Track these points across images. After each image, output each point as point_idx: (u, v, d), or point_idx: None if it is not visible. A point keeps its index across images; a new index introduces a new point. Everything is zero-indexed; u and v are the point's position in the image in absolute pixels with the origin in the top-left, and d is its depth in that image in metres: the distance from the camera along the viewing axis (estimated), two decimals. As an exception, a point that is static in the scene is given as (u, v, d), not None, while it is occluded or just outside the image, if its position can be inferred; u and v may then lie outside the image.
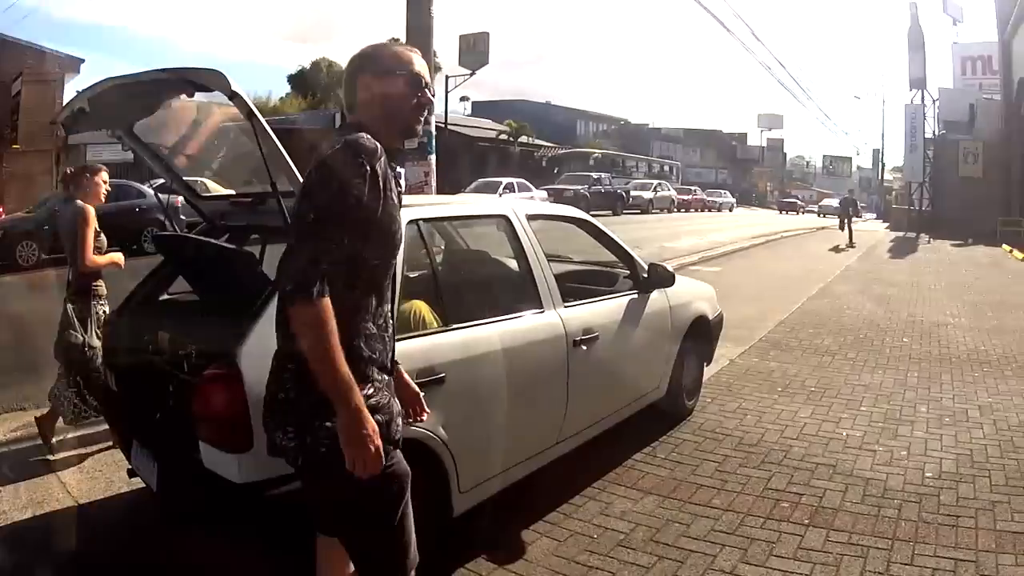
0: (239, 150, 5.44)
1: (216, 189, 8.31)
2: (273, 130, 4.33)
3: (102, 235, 7.04)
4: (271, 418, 3.12)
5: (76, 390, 6.65)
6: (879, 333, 13.32)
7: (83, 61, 40.47)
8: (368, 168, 2.94)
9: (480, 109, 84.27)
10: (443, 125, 47.57)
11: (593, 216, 7.57)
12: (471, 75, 54.26)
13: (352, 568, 3.40)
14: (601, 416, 6.57)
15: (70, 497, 6.00)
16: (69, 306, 6.81)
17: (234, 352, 3.97)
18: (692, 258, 24.94)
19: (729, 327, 9.80)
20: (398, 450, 3.19)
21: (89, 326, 6.72)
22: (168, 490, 4.65)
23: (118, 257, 7.16)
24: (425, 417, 3.74)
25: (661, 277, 7.24)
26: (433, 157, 11.28)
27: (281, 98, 72.70)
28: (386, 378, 3.22)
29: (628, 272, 7.40)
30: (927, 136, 51.12)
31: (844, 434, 7.69)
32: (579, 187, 49.09)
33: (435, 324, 4.89)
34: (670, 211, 60.26)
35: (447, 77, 54.85)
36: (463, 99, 70.73)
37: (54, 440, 6.90)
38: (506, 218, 5.84)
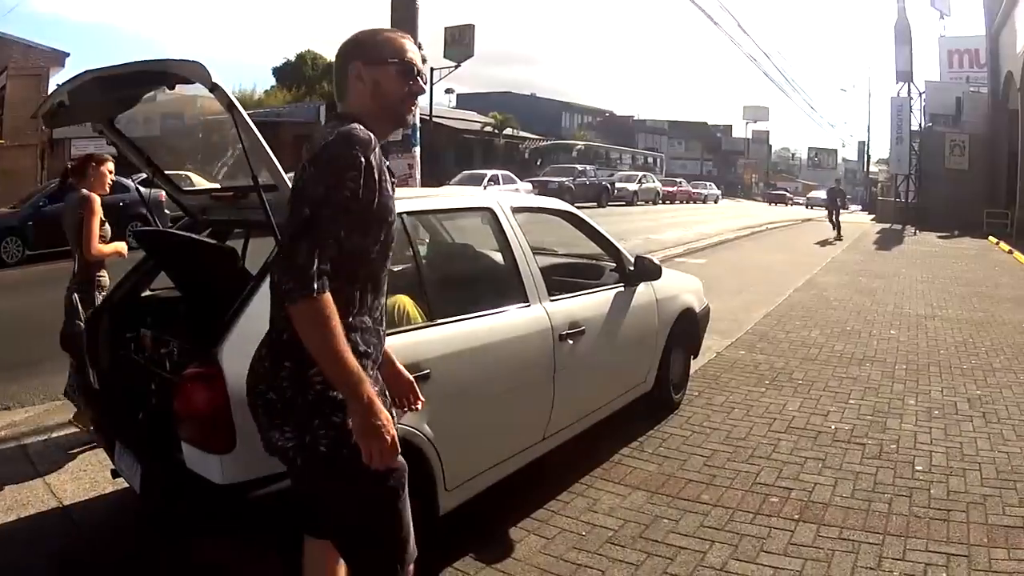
0: (222, 144, 5.37)
1: (201, 183, 8.27)
2: (257, 123, 4.25)
3: (107, 224, 7.10)
4: (267, 418, 3.05)
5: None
6: (866, 325, 13.32)
7: (68, 55, 40.46)
8: (363, 160, 2.88)
9: (465, 101, 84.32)
10: (428, 117, 47.50)
11: (578, 208, 7.52)
12: (456, 67, 54.26)
13: (343, 569, 3.34)
14: (588, 411, 6.53)
15: (54, 498, 5.93)
16: (74, 295, 6.84)
17: (215, 350, 3.90)
18: (677, 250, 24.98)
19: (715, 319, 9.80)
20: None
21: None
22: (151, 492, 4.57)
23: (122, 246, 7.18)
24: (420, 405, 3.70)
25: (648, 270, 7.20)
26: (417, 149, 11.22)
27: (266, 91, 72.43)
28: (376, 373, 3.18)
29: (614, 265, 7.37)
30: (913, 129, 51.24)
31: (833, 427, 7.67)
32: (564, 179, 49.36)
33: (419, 319, 4.84)
34: (655, 203, 60.47)
35: (432, 69, 54.80)
36: (448, 91, 70.98)
37: (41, 438, 6.89)
38: (491, 211, 5.78)
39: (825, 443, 7.22)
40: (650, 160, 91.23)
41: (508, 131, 70.67)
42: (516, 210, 6.00)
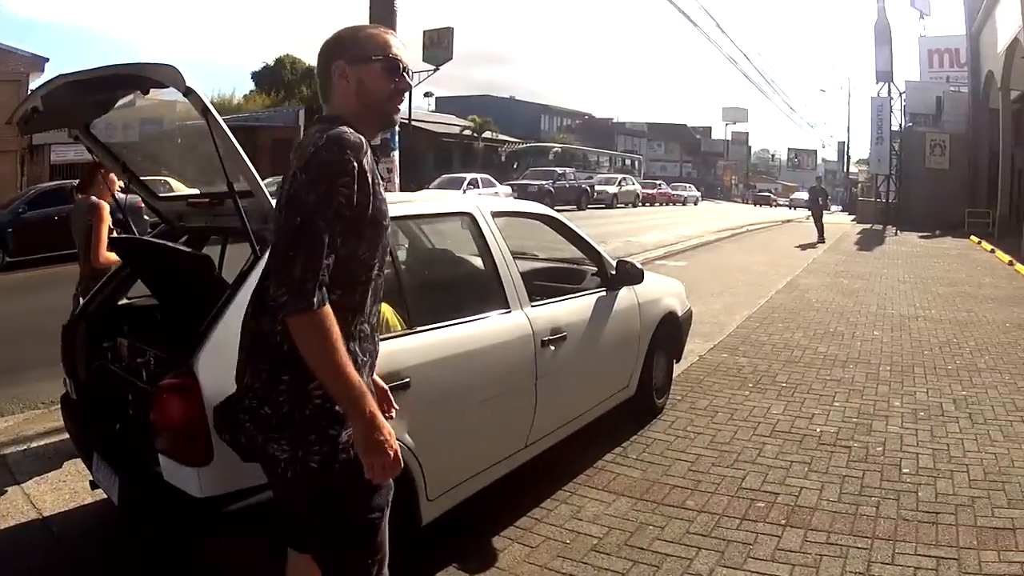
0: (198, 149, 5.30)
1: (180, 188, 8.23)
2: (236, 128, 4.21)
3: (115, 231, 7.14)
4: (259, 431, 2.96)
5: None
6: (849, 327, 13.30)
7: (47, 60, 40.16)
8: (356, 164, 2.81)
9: (444, 104, 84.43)
10: (407, 121, 47.48)
11: (558, 211, 7.50)
12: (435, 70, 54.19)
13: None
14: (571, 417, 6.48)
15: (34, 509, 5.84)
16: (80, 298, 6.79)
17: (191, 361, 3.84)
18: (658, 252, 24.95)
19: (697, 322, 9.82)
20: None
21: None
22: (129, 505, 4.50)
23: None
24: (394, 413, 3.60)
25: (629, 274, 7.16)
26: (396, 153, 11.19)
27: (245, 95, 72.28)
28: (370, 380, 3.11)
29: (596, 269, 7.32)
30: (893, 129, 51.39)
31: (818, 430, 7.63)
32: (543, 182, 49.38)
33: (399, 327, 4.78)
34: (635, 205, 60.57)
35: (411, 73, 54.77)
36: (427, 95, 70.89)
37: (21, 448, 6.85)
38: (471, 216, 5.72)
39: (810, 446, 7.18)
40: (628, 162, 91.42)
41: (487, 134, 70.81)
42: (496, 214, 5.94)
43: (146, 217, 13.91)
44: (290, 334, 2.75)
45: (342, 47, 3.10)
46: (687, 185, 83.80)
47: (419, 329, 4.80)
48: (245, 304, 3.07)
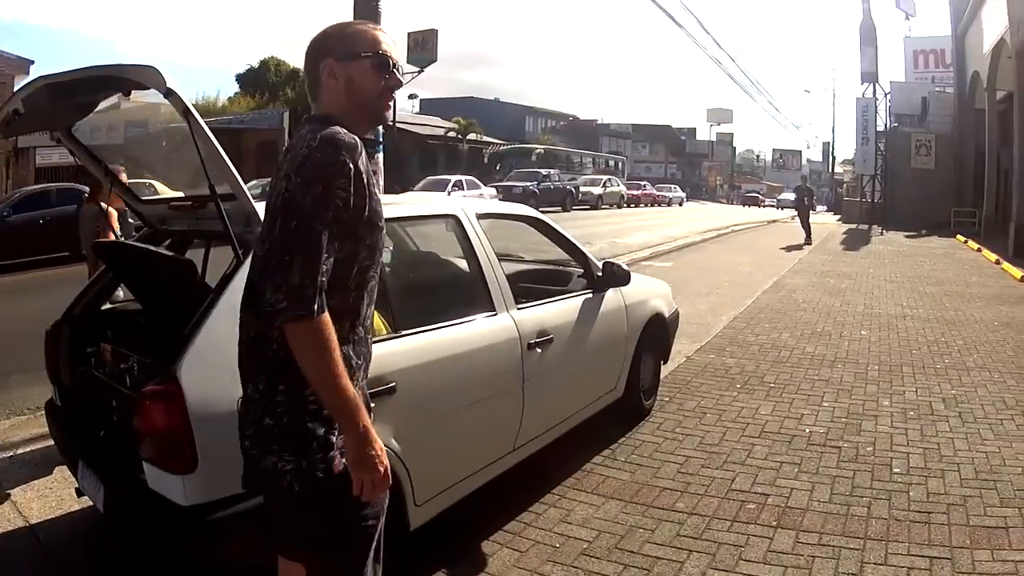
0: (181, 152, 5.25)
1: (164, 191, 8.20)
2: (220, 130, 4.17)
3: (122, 237, 7.31)
4: (259, 442, 2.89)
5: None
6: (836, 326, 13.31)
7: (32, 62, 40.01)
8: (351, 166, 2.75)
9: (428, 106, 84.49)
10: (392, 123, 47.42)
11: (543, 213, 7.47)
12: (419, 72, 54.16)
13: None
14: (558, 420, 6.44)
15: (20, 517, 5.78)
16: None
17: (174, 367, 3.78)
18: (644, 253, 24.97)
19: (684, 323, 9.80)
20: None
21: None
22: (114, 512, 4.45)
23: None
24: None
25: (616, 276, 7.13)
26: (381, 156, 11.12)
27: (230, 97, 72.10)
28: (363, 384, 3.05)
29: (582, 271, 7.29)
30: (879, 129, 51.53)
31: (807, 431, 7.61)
32: (528, 183, 49.22)
33: (384, 331, 4.70)
34: (620, 206, 60.49)
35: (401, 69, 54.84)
36: (411, 96, 70.97)
37: (7, 455, 6.81)
38: (456, 218, 5.69)
39: (800, 447, 7.16)
40: (612, 163, 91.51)
41: (472, 136, 70.90)
42: (481, 216, 5.91)
43: (131, 221, 13.92)
44: (287, 341, 2.69)
45: (330, 44, 3.04)
46: (672, 186, 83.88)
47: (404, 333, 4.75)
48: (228, 309, 3.03)
